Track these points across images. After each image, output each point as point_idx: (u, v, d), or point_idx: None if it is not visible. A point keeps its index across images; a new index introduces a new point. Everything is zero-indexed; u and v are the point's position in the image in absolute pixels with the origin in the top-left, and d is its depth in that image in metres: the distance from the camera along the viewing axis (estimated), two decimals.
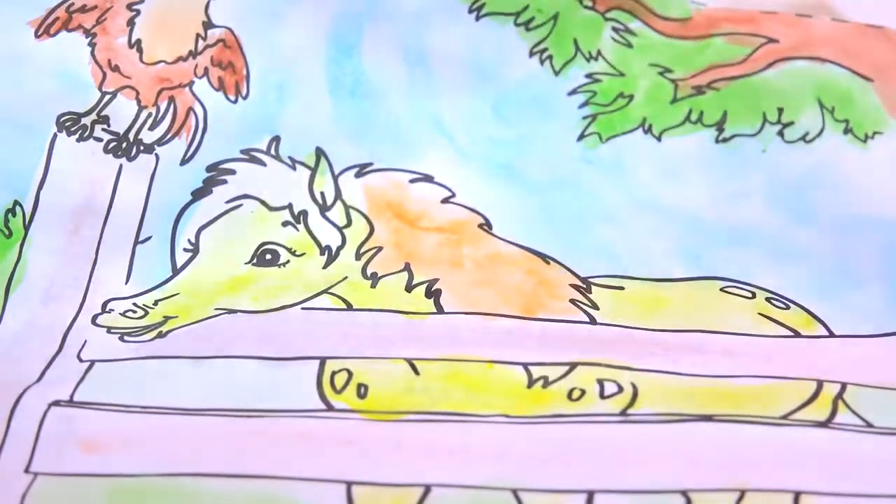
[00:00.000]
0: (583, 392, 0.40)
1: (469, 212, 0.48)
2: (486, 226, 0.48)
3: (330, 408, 0.39)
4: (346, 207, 0.47)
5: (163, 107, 0.50)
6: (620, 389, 0.40)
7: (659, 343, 0.43)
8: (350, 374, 0.41)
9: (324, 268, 0.46)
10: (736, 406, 0.40)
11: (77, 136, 0.49)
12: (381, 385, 0.40)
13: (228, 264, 0.46)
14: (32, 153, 0.48)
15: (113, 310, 0.44)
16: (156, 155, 0.49)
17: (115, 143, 0.49)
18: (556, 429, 0.39)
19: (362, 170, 0.49)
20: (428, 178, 0.49)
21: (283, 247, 0.46)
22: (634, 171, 0.50)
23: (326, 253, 0.46)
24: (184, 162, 0.49)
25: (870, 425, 0.40)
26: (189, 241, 0.46)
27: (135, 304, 0.44)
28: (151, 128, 0.49)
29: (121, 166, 0.48)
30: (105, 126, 0.49)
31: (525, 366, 0.41)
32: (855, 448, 0.37)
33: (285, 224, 0.47)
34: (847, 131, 0.51)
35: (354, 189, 0.48)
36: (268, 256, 0.46)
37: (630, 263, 0.47)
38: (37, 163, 0.48)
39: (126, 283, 0.45)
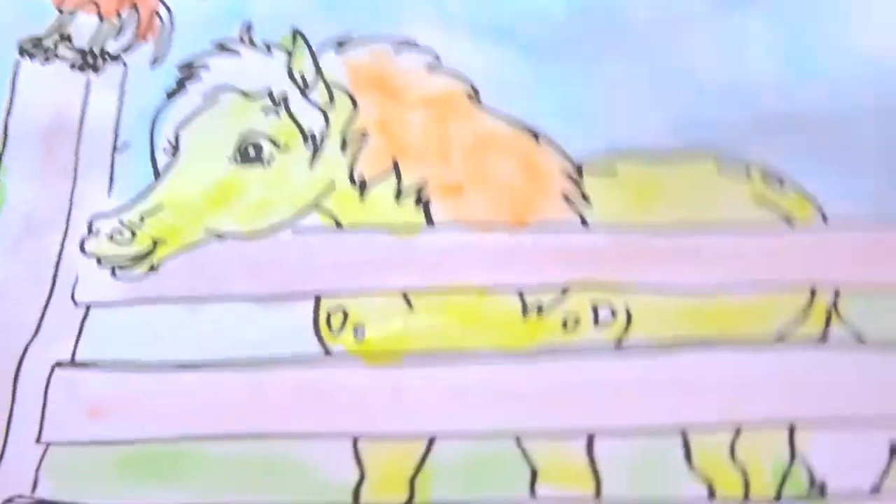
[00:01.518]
0: (577, 320, 0.40)
1: (456, 79, 0.46)
2: (474, 95, 0.45)
3: (328, 352, 0.39)
4: (328, 86, 0.45)
5: (125, 14, 0.47)
6: (614, 315, 0.40)
7: (652, 253, 0.41)
8: (346, 314, 0.40)
9: (310, 167, 0.43)
10: (730, 325, 0.40)
11: (41, 59, 0.47)
12: (378, 325, 0.40)
13: (211, 162, 0.43)
14: None
15: (99, 230, 0.42)
16: (123, 63, 0.47)
17: (80, 60, 0.47)
18: (552, 366, 0.39)
19: (342, 44, 0.46)
20: (411, 44, 0.46)
21: (266, 137, 0.43)
22: (631, 22, 0.47)
23: (311, 143, 0.43)
24: (154, 65, 0.46)
25: (862, 340, 0.40)
26: (168, 140, 0.44)
27: (121, 223, 0.42)
28: (116, 37, 0.47)
29: (89, 81, 0.46)
30: (68, 44, 0.47)
31: (519, 292, 0.40)
32: (847, 370, 0.37)
33: (266, 111, 0.44)
34: None
35: (336, 66, 0.46)
36: (250, 150, 0.43)
37: (622, 134, 0.45)
38: (2, 92, 0.46)
39: (109, 197, 0.44)
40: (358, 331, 0.40)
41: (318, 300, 0.40)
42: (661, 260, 0.41)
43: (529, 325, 0.39)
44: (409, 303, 0.40)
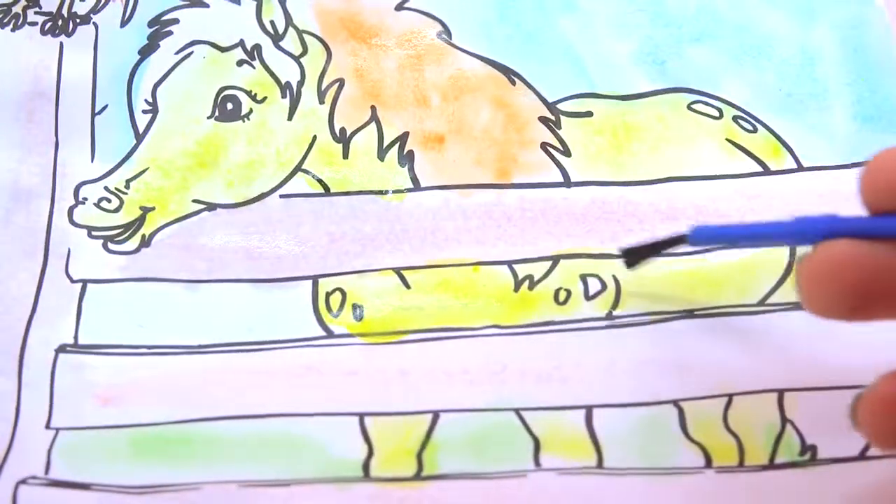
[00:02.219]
0: (568, 293, 0.40)
1: (425, 17, 0.46)
2: (446, 34, 0.45)
3: (330, 334, 0.39)
4: (300, 33, 0.45)
5: None
6: (604, 286, 0.40)
7: (633, 213, 0.41)
8: (344, 294, 0.40)
9: (289, 119, 0.43)
10: (714, 292, 0.40)
11: (11, 26, 0.47)
12: (376, 304, 0.40)
13: (191, 120, 0.44)
14: None
15: (87, 198, 0.42)
16: (94, 24, 0.47)
17: (50, 23, 0.47)
18: (548, 339, 0.39)
19: None
20: None
21: (243, 90, 0.44)
22: None
23: (288, 94, 0.44)
24: (124, 23, 0.46)
25: None
26: (146, 100, 0.44)
27: (107, 189, 0.42)
28: None
29: (61, 44, 0.46)
30: (37, 9, 0.47)
31: (509, 264, 0.40)
32: (831, 331, 0.36)
33: (240, 63, 0.44)
34: None
35: (305, 12, 0.46)
36: (229, 105, 0.43)
37: (594, 73, 0.45)
38: None
39: (92, 161, 0.44)
40: (356, 310, 0.40)
41: (315, 282, 0.40)
42: (641, 220, 0.41)
43: (523, 298, 0.40)
44: (404, 281, 0.40)
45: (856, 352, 0.38)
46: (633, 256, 0.39)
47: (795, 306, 0.39)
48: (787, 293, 0.40)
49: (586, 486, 0.37)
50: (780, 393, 0.38)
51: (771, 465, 0.37)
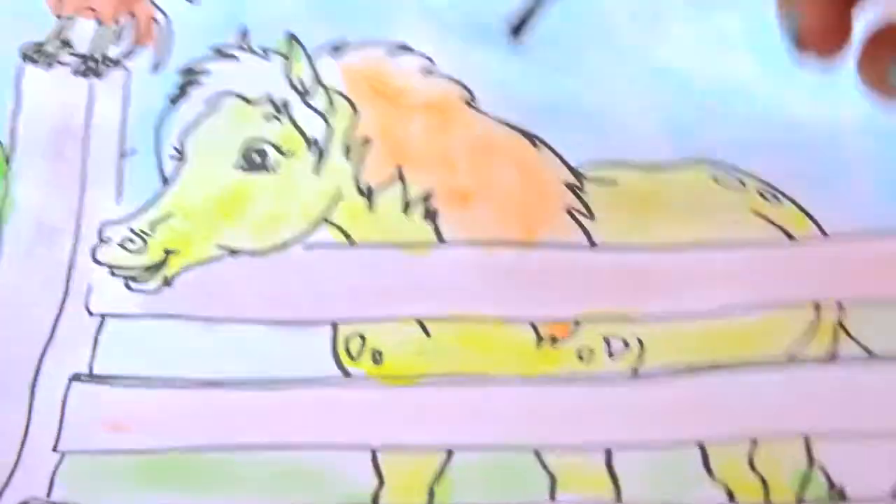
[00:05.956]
0: (591, 352, 0.40)
1: (451, 83, 0.47)
2: (471, 99, 0.46)
3: (347, 375, 0.40)
4: (328, 91, 0.46)
5: (123, 20, 0.48)
6: (627, 346, 0.40)
7: (657, 277, 0.42)
8: (363, 339, 0.41)
9: (315, 173, 0.44)
10: (739, 346, 0.40)
11: (44, 64, 0.48)
12: (396, 350, 0.41)
13: (217, 169, 0.45)
14: (1, 88, 0.47)
15: (110, 238, 0.43)
16: (125, 68, 0.48)
17: (82, 65, 0.48)
18: (567, 389, 0.39)
19: (338, 49, 0.47)
20: (405, 48, 0.47)
21: (270, 143, 0.45)
22: (616, 21, 0.48)
23: (315, 149, 0.45)
24: (155, 70, 0.47)
25: (871, 353, 0.41)
26: (174, 147, 0.45)
27: (132, 231, 0.43)
28: (116, 43, 0.48)
29: (92, 86, 0.47)
30: (69, 50, 0.48)
31: (532, 323, 0.41)
32: (859, 383, 0.37)
33: (268, 117, 0.45)
34: None
35: (333, 71, 0.47)
36: (256, 157, 0.44)
37: (619, 142, 0.45)
38: (7, 97, 0.47)
39: (118, 203, 0.45)
40: (376, 355, 0.41)
41: (335, 327, 0.41)
42: (667, 282, 0.42)
43: (545, 354, 0.40)
44: (425, 330, 0.41)
45: (887, 403, 0.38)
46: (520, 27, 0.39)
47: (824, 360, 0.40)
48: (816, 349, 0.40)
49: None
50: (808, 438, 0.38)
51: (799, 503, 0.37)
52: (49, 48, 0.48)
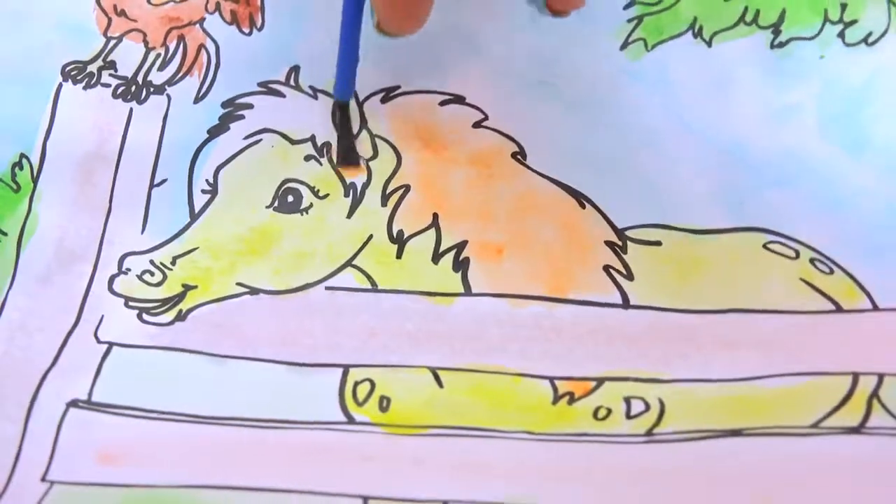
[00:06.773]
0: (609, 411, 0.39)
1: (502, 138, 0.45)
2: (520, 155, 0.45)
3: (351, 420, 0.38)
4: (373, 137, 0.44)
5: (172, 46, 0.47)
6: (647, 407, 0.39)
7: (691, 339, 0.40)
8: (373, 385, 0.39)
9: (348, 217, 0.42)
10: (766, 413, 0.39)
11: (84, 84, 0.46)
12: (404, 398, 0.39)
13: (249, 206, 0.43)
14: (37, 105, 0.46)
15: (130, 269, 0.41)
16: (167, 95, 0.46)
17: (123, 88, 0.46)
18: (578, 447, 0.38)
19: (388, 94, 0.45)
20: (459, 100, 0.46)
21: (306, 185, 0.43)
22: (680, 86, 0.47)
23: (351, 193, 0.43)
24: (197, 100, 0.46)
25: None
26: (207, 181, 0.43)
27: (152, 263, 0.42)
28: (160, 68, 0.46)
29: (131, 110, 0.46)
30: (112, 71, 0.47)
31: (552, 380, 0.39)
32: (886, 456, 0.36)
33: (308, 158, 0.44)
34: None
35: (380, 117, 0.45)
36: (290, 198, 0.43)
37: (669, 206, 0.44)
38: (42, 115, 0.46)
39: (142, 233, 0.43)
40: (383, 402, 0.39)
41: (346, 371, 0.39)
42: (700, 347, 0.40)
43: (560, 412, 0.39)
44: (438, 379, 0.39)
45: None
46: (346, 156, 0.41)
47: (850, 431, 0.38)
48: (843, 418, 0.39)
49: None
50: None
51: None
52: (91, 68, 0.47)
